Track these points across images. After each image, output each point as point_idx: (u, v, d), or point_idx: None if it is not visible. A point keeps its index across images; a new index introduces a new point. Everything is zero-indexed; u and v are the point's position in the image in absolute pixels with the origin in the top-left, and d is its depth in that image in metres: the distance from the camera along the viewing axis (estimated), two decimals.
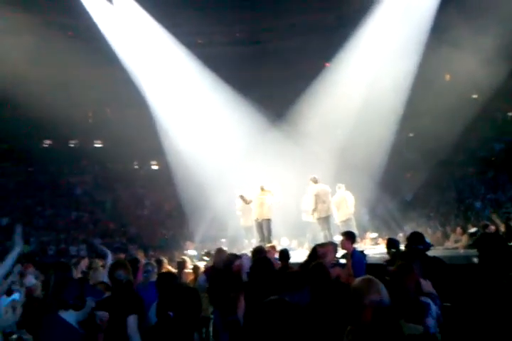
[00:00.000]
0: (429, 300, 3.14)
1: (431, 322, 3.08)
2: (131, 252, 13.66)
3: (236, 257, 5.68)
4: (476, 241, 3.90)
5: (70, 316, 3.12)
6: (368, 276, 2.93)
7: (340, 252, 6.33)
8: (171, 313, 3.14)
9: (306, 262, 5.70)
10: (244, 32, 21.34)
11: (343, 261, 6.25)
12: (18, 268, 6.34)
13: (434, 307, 3.15)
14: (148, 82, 16.99)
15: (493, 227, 10.11)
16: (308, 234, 12.03)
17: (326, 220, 10.42)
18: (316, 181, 10.60)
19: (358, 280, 2.88)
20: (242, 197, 10.71)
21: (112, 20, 16.30)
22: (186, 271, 7.43)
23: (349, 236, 6.46)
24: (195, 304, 3.21)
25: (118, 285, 4.23)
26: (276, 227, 10.95)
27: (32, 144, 19.40)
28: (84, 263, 8.48)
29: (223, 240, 13.14)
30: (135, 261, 6.56)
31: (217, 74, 16.97)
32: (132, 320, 3.70)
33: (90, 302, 3.21)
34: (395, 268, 3.57)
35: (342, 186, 11.22)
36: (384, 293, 2.75)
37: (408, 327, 2.63)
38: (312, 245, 7.01)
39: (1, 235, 14.23)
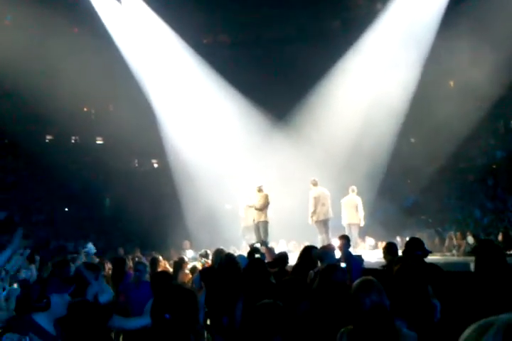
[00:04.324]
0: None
1: None
2: (128, 250, 13.58)
3: (233, 258, 5.64)
4: (474, 247, 3.90)
5: (41, 318, 2.94)
6: (369, 277, 2.88)
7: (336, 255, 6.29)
8: (167, 315, 3.08)
9: (298, 265, 5.67)
10: (250, 33, 21.31)
11: (343, 264, 6.21)
12: (27, 252, 5.84)
13: None
14: (152, 80, 17.00)
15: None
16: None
17: (324, 223, 10.36)
18: (315, 184, 10.54)
19: (358, 280, 2.84)
20: (251, 206, 10.52)
21: (119, 18, 16.33)
22: (185, 271, 7.30)
23: (346, 240, 6.44)
24: (193, 305, 3.15)
25: None
26: (274, 229, 10.90)
27: (33, 139, 19.33)
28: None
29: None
30: (121, 261, 6.50)
31: (220, 74, 16.95)
32: None
33: (58, 299, 2.99)
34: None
35: (355, 189, 11.09)
36: (384, 295, 2.72)
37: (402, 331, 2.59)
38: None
39: None
